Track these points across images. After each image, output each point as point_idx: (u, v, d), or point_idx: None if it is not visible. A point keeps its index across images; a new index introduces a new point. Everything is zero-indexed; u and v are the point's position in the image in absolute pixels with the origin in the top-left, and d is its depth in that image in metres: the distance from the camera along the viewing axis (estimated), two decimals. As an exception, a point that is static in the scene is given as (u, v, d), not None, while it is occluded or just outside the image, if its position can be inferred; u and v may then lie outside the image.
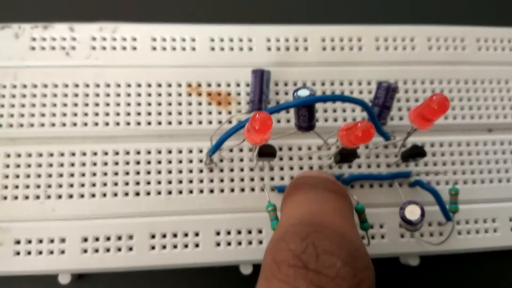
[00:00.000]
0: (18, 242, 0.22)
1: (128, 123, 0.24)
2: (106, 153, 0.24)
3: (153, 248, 0.23)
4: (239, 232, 0.23)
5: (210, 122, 0.25)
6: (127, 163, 0.24)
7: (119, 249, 0.23)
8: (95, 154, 0.24)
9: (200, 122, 0.25)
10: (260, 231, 0.23)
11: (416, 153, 0.23)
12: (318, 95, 0.21)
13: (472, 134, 0.26)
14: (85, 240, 0.23)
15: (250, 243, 0.23)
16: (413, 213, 0.20)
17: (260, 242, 0.23)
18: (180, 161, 0.24)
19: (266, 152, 0.22)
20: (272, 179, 0.24)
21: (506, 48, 0.28)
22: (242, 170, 0.24)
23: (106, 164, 0.24)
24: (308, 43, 0.27)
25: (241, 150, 0.25)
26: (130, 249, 0.23)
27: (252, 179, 0.24)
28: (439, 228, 0.24)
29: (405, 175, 0.24)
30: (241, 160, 0.24)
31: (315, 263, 0.14)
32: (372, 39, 0.27)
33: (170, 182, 0.24)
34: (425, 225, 0.24)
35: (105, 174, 0.24)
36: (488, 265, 0.26)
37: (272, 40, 0.26)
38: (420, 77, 0.26)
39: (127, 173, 0.24)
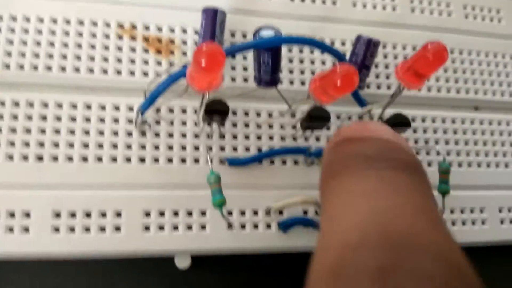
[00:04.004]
0: None
1: (35, 67, 0.19)
2: (2, 104, 0.18)
3: (56, 230, 0.17)
4: (176, 214, 0.18)
5: (146, 74, 0.19)
6: (29, 117, 0.18)
7: (10, 230, 0.17)
8: (-14, 103, 0.18)
9: (132, 73, 0.19)
10: (203, 213, 0.18)
11: (399, 122, 0.19)
12: (285, 36, 0.16)
13: (458, 110, 0.22)
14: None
15: (189, 228, 0.18)
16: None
17: (203, 227, 0.18)
18: (102, 120, 0.18)
19: (216, 109, 0.17)
20: (222, 149, 0.19)
21: (495, 19, 0.24)
22: (184, 135, 0.19)
23: (1, 117, 0.18)
24: (274, -9, 0.22)
25: (184, 111, 0.19)
26: (26, 230, 0.17)
27: (196, 148, 0.19)
28: (421, 217, 0.20)
29: (383, 151, 0.20)
30: (184, 123, 0.19)
31: None
32: (348, -5, 0.23)
33: (86, 146, 0.18)
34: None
35: (-1, 129, 0.17)
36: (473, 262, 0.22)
37: (231, -17, 0.22)
38: (401, 41, 0.22)
39: (28, 131, 0.18)
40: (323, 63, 0.21)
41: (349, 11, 0.22)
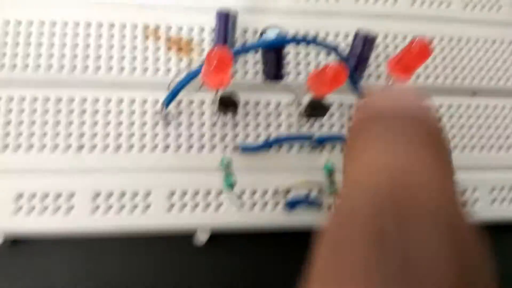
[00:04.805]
0: None
1: (74, 67, 0.21)
2: (47, 100, 0.21)
3: (96, 208, 0.20)
4: (197, 193, 0.21)
5: (169, 71, 0.22)
6: (71, 112, 0.21)
7: (58, 210, 0.20)
8: (35, 100, 0.21)
9: (157, 70, 0.22)
10: (219, 193, 0.21)
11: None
12: (287, 37, 0.18)
13: (454, 96, 0.24)
14: (20, 197, 0.20)
15: (208, 206, 0.21)
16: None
17: (219, 206, 0.21)
18: (133, 113, 0.21)
19: (228, 101, 0.19)
20: (236, 136, 0.22)
21: (494, 7, 0.26)
22: (202, 125, 0.22)
23: (47, 112, 0.21)
24: (283, -11, 0.24)
25: (202, 103, 0.22)
26: (70, 209, 0.20)
27: (213, 136, 0.22)
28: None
29: (381, 137, 0.22)
30: (202, 114, 0.22)
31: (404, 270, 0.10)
32: (352, -10, 0.24)
33: (120, 136, 0.21)
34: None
35: (46, 123, 0.21)
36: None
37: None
38: (401, 32, 0.24)
39: (71, 123, 0.21)
40: (328, 55, 0.23)
41: (352, 5, 0.24)
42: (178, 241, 0.21)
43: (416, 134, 0.12)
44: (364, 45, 0.21)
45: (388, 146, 0.12)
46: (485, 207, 0.23)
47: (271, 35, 0.19)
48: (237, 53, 0.19)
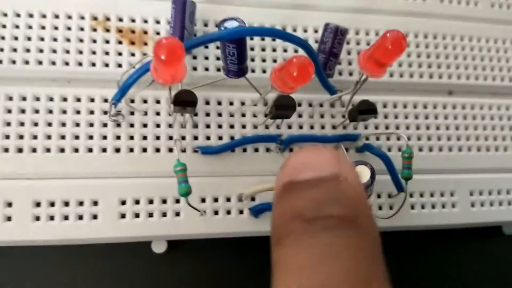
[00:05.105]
0: None
1: (14, 62, 0.19)
2: (-20, 98, 0.19)
3: (37, 219, 0.18)
4: (151, 202, 0.19)
5: (120, 65, 0.20)
6: (9, 111, 0.19)
7: (-8, 220, 0.18)
8: (-35, 98, 0.18)
9: (106, 65, 0.20)
10: (177, 201, 0.19)
11: (365, 109, 0.19)
12: (249, 27, 0.17)
13: (430, 95, 0.23)
14: None
15: (164, 215, 0.19)
16: (361, 175, 0.16)
17: (177, 214, 0.19)
18: (78, 112, 0.19)
19: (183, 100, 0.17)
20: (195, 138, 0.20)
21: (471, 2, 0.24)
22: (158, 126, 0.20)
23: (-20, 111, 0.18)
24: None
25: (158, 102, 0.20)
26: (9, 219, 0.18)
27: (170, 138, 0.20)
28: (390, 201, 0.21)
29: (352, 138, 0.21)
30: (158, 113, 0.20)
31: None
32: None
33: (63, 138, 0.19)
34: (373, 196, 0.20)
35: (-22, 124, 0.18)
36: (443, 245, 0.23)
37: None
38: (374, 27, 0.23)
39: (9, 124, 0.18)
40: (296, 51, 0.22)
41: (322, -3, 0.23)
42: (137, 248, 0.20)
43: (334, 240, 0.11)
44: (335, 37, 0.19)
45: (302, 263, 0.11)
46: (464, 211, 0.22)
47: (230, 25, 0.17)
48: (190, 46, 0.17)
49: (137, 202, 0.19)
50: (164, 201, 0.19)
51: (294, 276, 0.11)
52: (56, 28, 0.20)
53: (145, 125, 0.20)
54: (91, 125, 0.19)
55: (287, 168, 0.13)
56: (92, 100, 0.19)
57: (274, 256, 0.12)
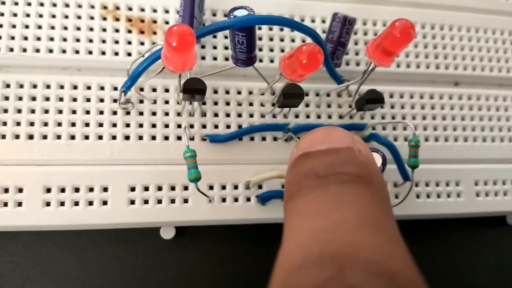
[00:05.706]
0: None
1: (24, 50, 0.19)
2: (-8, 85, 0.19)
3: (47, 204, 0.18)
4: (160, 189, 0.19)
5: (129, 54, 0.20)
6: (20, 98, 0.19)
7: (5, 204, 0.18)
8: (-23, 85, 0.19)
9: (116, 53, 0.20)
10: (185, 188, 0.19)
11: (372, 98, 0.19)
12: (258, 15, 0.17)
13: (437, 86, 0.23)
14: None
15: (172, 201, 0.19)
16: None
17: (185, 201, 0.19)
18: (88, 100, 0.19)
19: (192, 88, 0.18)
20: (204, 126, 0.20)
21: (478, -7, 0.24)
22: (167, 114, 0.20)
23: (-8, 98, 0.19)
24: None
25: (166, 90, 0.20)
26: (19, 204, 0.18)
27: (179, 126, 0.20)
28: (395, 190, 0.21)
29: (359, 127, 0.21)
30: (167, 102, 0.20)
31: None
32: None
33: (73, 125, 0.19)
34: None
35: (-10, 110, 0.19)
36: (448, 234, 0.23)
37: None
38: (381, 17, 0.23)
39: (19, 111, 0.19)
40: (303, 41, 0.22)
41: (330, -12, 0.23)
42: (146, 233, 0.20)
43: (344, 191, 0.12)
44: (343, 27, 0.19)
45: (316, 208, 0.12)
46: (469, 201, 0.22)
47: (240, 14, 0.17)
48: (200, 34, 0.17)
49: (146, 188, 0.19)
50: (173, 188, 0.19)
51: (308, 219, 0.11)
52: (66, 17, 0.20)
53: (154, 113, 0.20)
54: (101, 112, 0.19)
55: (303, 143, 0.13)
56: (102, 88, 0.20)
57: (287, 208, 0.12)
